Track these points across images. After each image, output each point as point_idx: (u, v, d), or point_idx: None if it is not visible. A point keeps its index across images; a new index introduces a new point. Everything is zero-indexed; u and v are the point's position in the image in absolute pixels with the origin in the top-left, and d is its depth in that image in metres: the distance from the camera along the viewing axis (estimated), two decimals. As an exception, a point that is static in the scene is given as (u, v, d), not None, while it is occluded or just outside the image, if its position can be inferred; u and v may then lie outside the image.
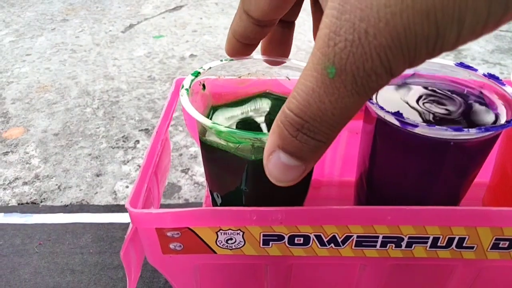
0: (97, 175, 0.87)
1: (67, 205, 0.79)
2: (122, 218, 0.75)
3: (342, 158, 0.59)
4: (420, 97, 0.44)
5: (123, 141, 0.98)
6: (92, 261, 0.68)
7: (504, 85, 0.43)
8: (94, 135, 1.01)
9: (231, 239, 0.36)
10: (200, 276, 0.39)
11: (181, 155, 0.93)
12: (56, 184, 0.85)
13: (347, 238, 0.36)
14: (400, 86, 0.47)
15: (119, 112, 1.10)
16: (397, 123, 0.37)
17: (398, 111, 0.37)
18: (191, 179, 0.86)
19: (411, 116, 0.40)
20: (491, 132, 0.36)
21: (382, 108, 0.39)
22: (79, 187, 0.84)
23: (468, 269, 0.38)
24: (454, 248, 0.36)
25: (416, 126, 0.36)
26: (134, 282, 0.42)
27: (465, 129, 0.35)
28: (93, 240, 0.71)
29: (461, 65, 0.46)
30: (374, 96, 0.44)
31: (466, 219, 0.34)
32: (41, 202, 0.80)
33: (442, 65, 0.47)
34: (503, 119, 0.39)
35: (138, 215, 0.33)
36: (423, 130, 0.36)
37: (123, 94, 1.19)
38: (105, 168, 0.89)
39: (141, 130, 1.03)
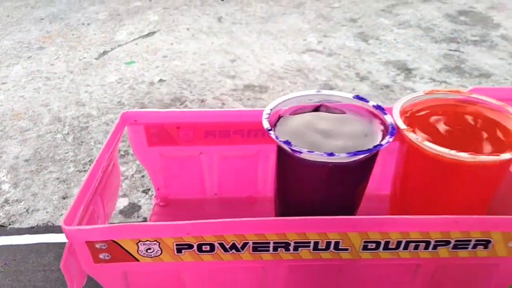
0: (64, 198, 0.94)
1: (33, 227, 0.86)
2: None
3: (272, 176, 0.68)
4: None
5: (90, 164, 1.05)
6: (54, 277, 0.75)
7: (386, 114, 0.52)
8: (62, 160, 1.08)
9: (149, 248, 0.44)
10: (129, 282, 0.47)
11: (143, 176, 1.01)
12: (25, 208, 0.92)
13: (245, 244, 0.44)
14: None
15: (88, 137, 1.17)
16: (288, 149, 0.46)
17: (287, 140, 0.46)
18: (150, 198, 0.94)
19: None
20: (361, 156, 0.45)
21: (277, 137, 0.47)
22: (46, 209, 0.91)
23: (348, 267, 0.46)
24: (333, 250, 0.45)
25: (300, 152, 0.45)
26: None
27: (336, 154, 0.44)
28: (55, 258, 0.78)
29: (357, 97, 0.55)
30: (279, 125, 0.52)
31: (337, 226, 0.43)
32: (9, 225, 0.87)
33: (342, 97, 0.56)
34: (375, 144, 0.48)
35: (70, 231, 0.41)
36: (306, 155, 0.45)
37: (93, 119, 1.26)
38: (71, 191, 0.97)
39: (108, 153, 1.10)
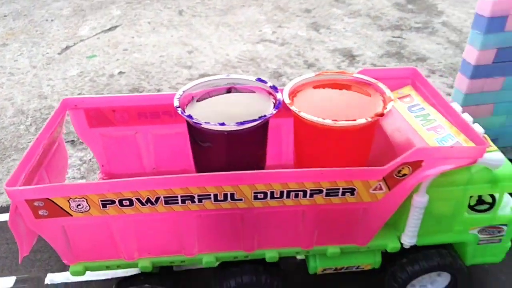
0: (25, 181, 1.04)
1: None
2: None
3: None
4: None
5: (50, 151, 1.14)
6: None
7: (278, 92, 0.63)
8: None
9: (79, 205, 0.54)
10: (68, 235, 0.57)
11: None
12: (-10, 191, 1.01)
13: (157, 199, 0.55)
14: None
15: (49, 126, 1.26)
16: (191, 122, 0.57)
17: (189, 114, 0.57)
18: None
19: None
20: (249, 125, 0.56)
21: (182, 112, 0.58)
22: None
23: (247, 215, 0.58)
24: (230, 201, 0.56)
25: (200, 124, 0.56)
26: (27, 248, 0.59)
27: (227, 124, 0.55)
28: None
29: (259, 79, 0.66)
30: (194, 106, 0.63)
31: (229, 180, 0.54)
32: (-22, 205, 0.96)
33: (247, 80, 0.67)
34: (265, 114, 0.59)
35: (10, 191, 0.51)
36: (205, 125, 0.56)
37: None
38: (32, 174, 1.06)
39: (68, 141, 1.19)
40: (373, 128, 0.61)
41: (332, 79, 0.67)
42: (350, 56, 1.67)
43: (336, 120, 0.55)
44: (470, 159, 0.56)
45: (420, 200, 0.60)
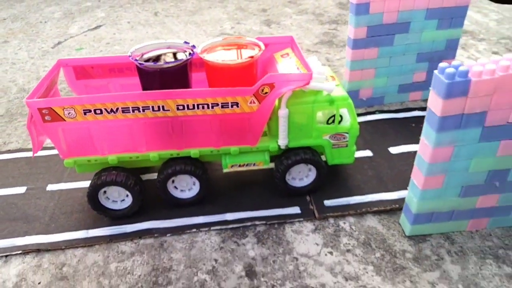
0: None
1: (9, 150, 1.31)
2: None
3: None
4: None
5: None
6: (27, 172, 1.20)
7: (195, 48, 1.00)
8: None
9: (70, 112, 0.90)
10: (63, 135, 0.93)
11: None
12: (2, 142, 1.37)
13: (117, 109, 0.91)
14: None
15: (46, 98, 1.62)
16: (137, 64, 0.94)
17: (136, 59, 0.94)
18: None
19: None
20: (172, 64, 0.93)
21: (129, 56, 0.94)
22: (18, 141, 1.37)
23: (175, 122, 0.94)
24: (162, 111, 0.92)
25: (142, 64, 0.92)
26: (38, 148, 0.95)
27: (157, 63, 0.92)
28: (27, 163, 1.24)
29: (186, 42, 1.03)
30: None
31: (159, 96, 0.91)
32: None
33: (179, 43, 1.04)
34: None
35: (29, 102, 0.87)
36: (146, 65, 0.92)
37: (50, 88, 1.71)
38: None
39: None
40: (252, 66, 0.98)
41: (233, 42, 1.05)
42: (291, 44, 2.05)
43: (225, 61, 0.93)
44: (303, 81, 0.92)
45: (282, 112, 0.97)
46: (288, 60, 1.05)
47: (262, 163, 1.06)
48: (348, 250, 0.97)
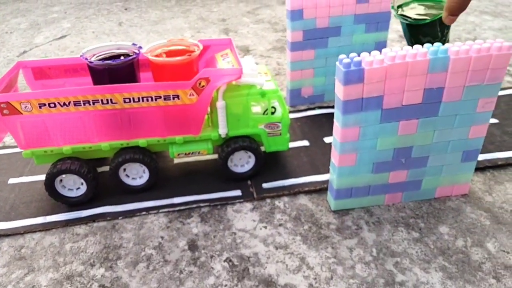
0: None
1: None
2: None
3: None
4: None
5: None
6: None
7: (141, 48, 1.12)
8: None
9: (26, 106, 1.00)
10: (22, 128, 1.03)
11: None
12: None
13: (69, 102, 1.01)
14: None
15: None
16: (87, 62, 1.05)
17: (86, 57, 1.05)
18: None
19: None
20: (117, 62, 1.05)
21: (81, 56, 1.06)
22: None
23: (123, 113, 1.05)
24: (111, 103, 1.03)
25: (91, 62, 1.04)
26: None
27: (104, 62, 1.03)
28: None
29: (134, 44, 1.15)
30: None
31: (106, 90, 1.02)
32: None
33: (128, 45, 1.16)
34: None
35: (-12, 98, 0.97)
36: (95, 63, 1.04)
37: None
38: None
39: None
40: (191, 63, 1.11)
41: (176, 43, 1.18)
42: (246, 50, 2.19)
43: (165, 59, 1.05)
44: (235, 75, 1.06)
45: (220, 103, 1.10)
46: (227, 59, 1.19)
47: (206, 151, 1.18)
48: (280, 224, 1.10)
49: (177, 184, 1.23)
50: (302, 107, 1.62)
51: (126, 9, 2.97)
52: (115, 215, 1.13)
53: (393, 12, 1.16)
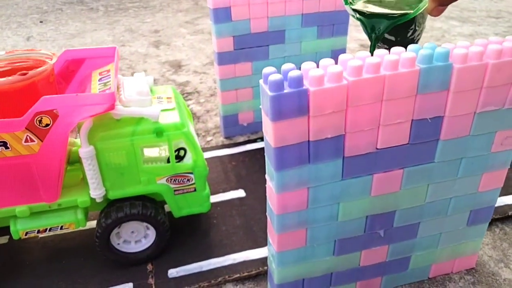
0: None
1: None
2: None
3: None
4: None
5: None
6: None
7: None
8: None
9: None
10: None
11: None
12: None
13: None
14: None
15: None
16: None
17: None
18: None
19: None
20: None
21: None
22: None
23: None
24: None
25: None
26: None
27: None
28: None
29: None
30: None
31: None
32: None
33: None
34: None
35: None
36: None
37: None
38: None
39: None
40: (33, 88, 0.67)
41: (17, 57, 0.75)
42: (177, 66, 1.78)
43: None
44: (103, 105, 0.64)
45: (83, 151, 0.67)
46: (106, 78, 0.77)
47: (74, 224, 0.75)
48: None
49: (38, 273, 0.78)
50: (241, 139, 1.21)
51: (41, 22, 2.49)
52: None
53: (347, 9, 0.77)
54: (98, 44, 2.07)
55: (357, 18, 0.73)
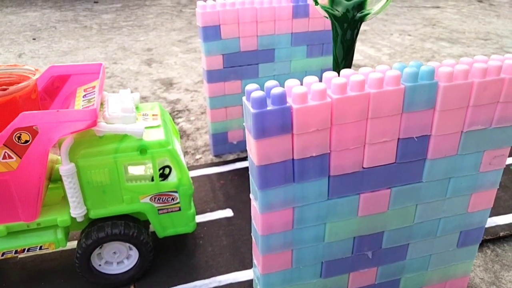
0: None
1: None
2: None
3: None
4: None
5: None
6: None
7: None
8: None
9: None
10: None
11: None
12: None
13: None
14: None
15: None
16: None
17: None
18: None
19: None
20: None
21: None
22: None
23: None
24: None
25: None
26: None
27: None
28: None
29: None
30: None
31: None
32: None
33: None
34: None
35: None
36: None
37: None
38: None
39: None
40: (12, 104, 0.66)
41: (1, 73, 0.73)
42: (169, 84, 1.78)
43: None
44: (84, 121, 0.62)
45: (64, 168, 0.66)
46: (91, 95, 0.75)
47: (53, 244, 0.72)
48: None
49: (11, 299, 0.75)
50: (230, 157, 1.20)
51: (34, 39, 2.50)
52: None
53: (318, 9, 0.75)
54: (89, 61, 2.07)
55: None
